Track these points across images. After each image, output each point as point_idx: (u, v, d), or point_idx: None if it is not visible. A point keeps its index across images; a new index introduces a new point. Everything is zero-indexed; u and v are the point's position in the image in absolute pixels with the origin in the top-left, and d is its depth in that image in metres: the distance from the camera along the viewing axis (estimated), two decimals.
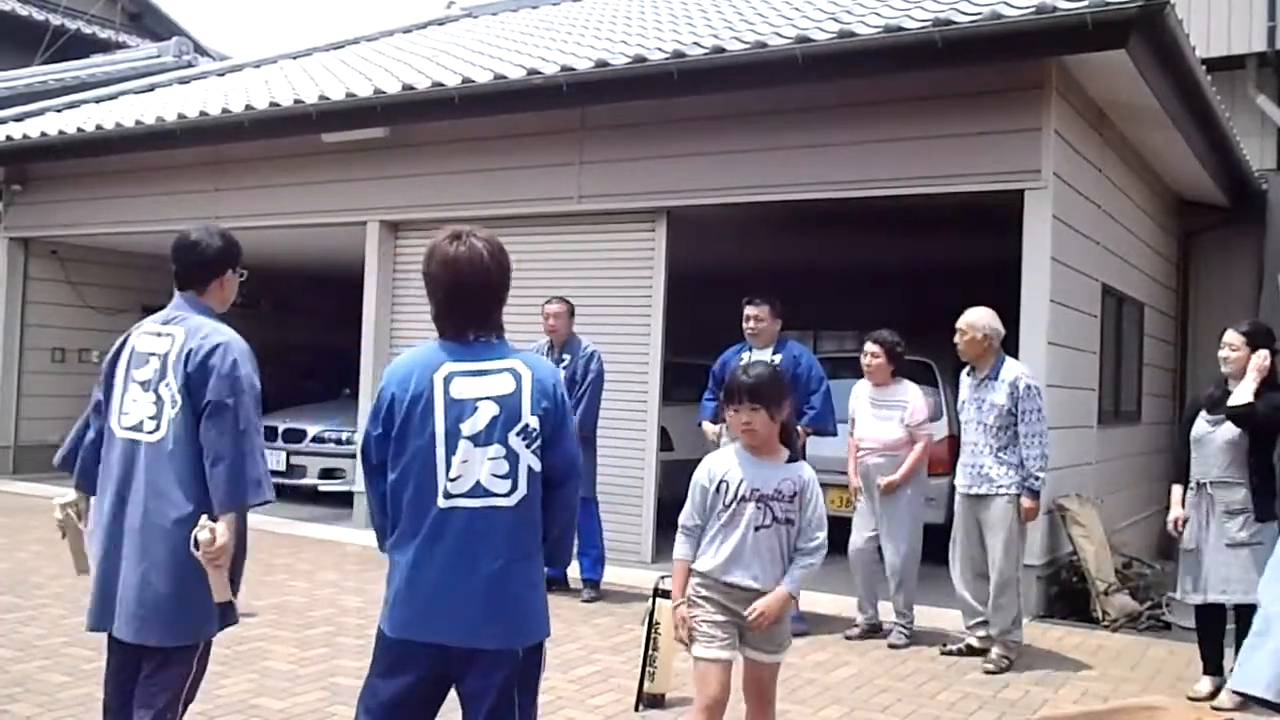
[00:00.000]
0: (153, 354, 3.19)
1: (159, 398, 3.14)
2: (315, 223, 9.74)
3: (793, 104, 7.33)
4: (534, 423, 2.61)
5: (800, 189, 7.41)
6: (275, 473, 10.45)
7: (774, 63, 6.89)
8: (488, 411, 2.59)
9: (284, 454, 10.45)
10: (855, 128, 7.23)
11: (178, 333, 3.19)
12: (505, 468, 2.58)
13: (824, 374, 6.42)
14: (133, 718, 3.14)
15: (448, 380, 2.61)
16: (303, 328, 13.60)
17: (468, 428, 2.57)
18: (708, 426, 6.36)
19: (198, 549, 3.00)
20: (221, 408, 3.10)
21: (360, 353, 9.36)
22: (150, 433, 3.14)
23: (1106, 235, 7.97)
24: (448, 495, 2.55)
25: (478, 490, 2.56)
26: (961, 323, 5.67)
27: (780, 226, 9.21)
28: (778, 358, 6.33)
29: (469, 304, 2.68)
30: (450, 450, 2.57)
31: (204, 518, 3.04)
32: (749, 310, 6.38)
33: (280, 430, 10.55)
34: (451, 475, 2.56)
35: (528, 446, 2.59)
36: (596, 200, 8.16)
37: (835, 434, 6.37)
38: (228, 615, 3.22)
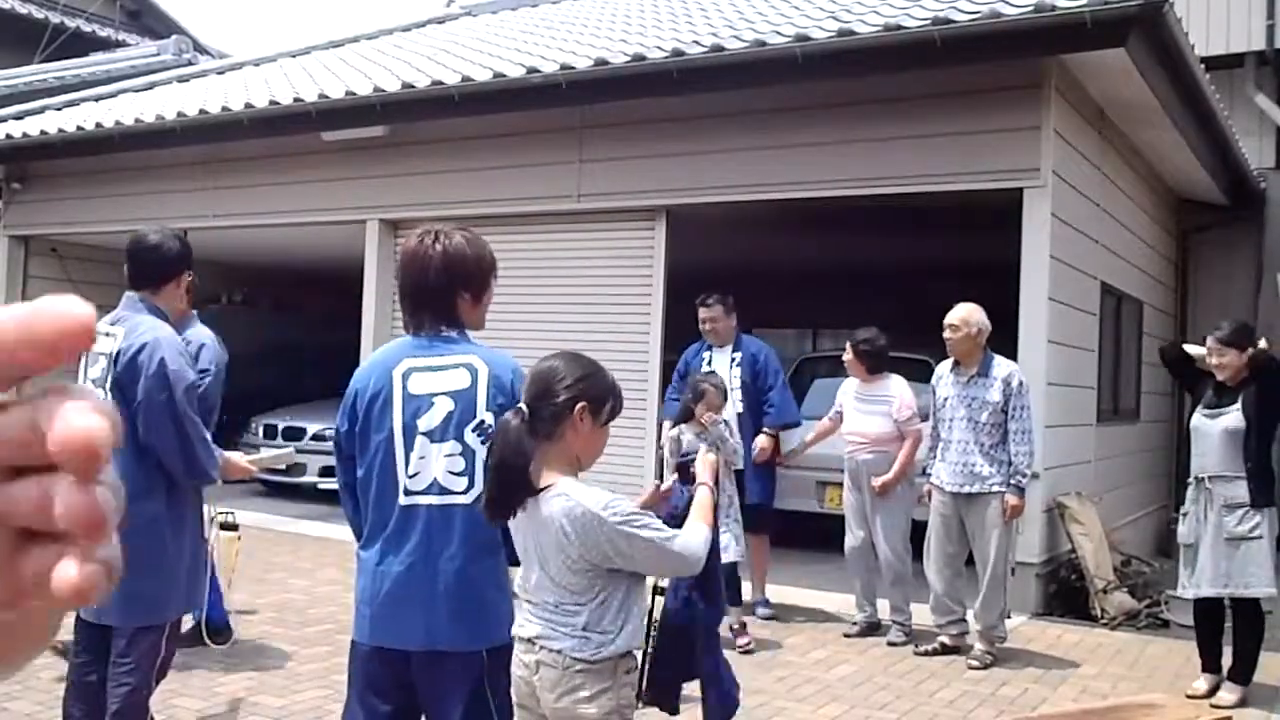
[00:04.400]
0: (101, 354, 3.31)
1: (105, 394, 3.26)
2: (315, 221, 9.75)
3: (793, 102, 7.34)
4: (490, 419, 2.56)
5: (800, 187, 7.42)
6: (276, 471, 10.48)
7: (773, 61, 6.90)
8: (443, 407, 2.59)
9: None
10: (855, 126, 7.24)
11: (119, 333, 3.30)
12: (461, 464, 2.56)
13: (780, 368, 6.55)
14: (102, 698, 3.26)
15: (406, 376, 2.62)
16: (303, 325, 13.57)
17: (424, 423, 2.58)
18: (667, 427, 5.88)
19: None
20: (154, 405, 3.23)
21: (360, 350, 9.36)
22: None
23: (1105, 234, 7.98)
24: (408, 492, 2.57)
25: (434, 487, 2.56)
26: (954, 318, 5.65)
27: (781, 225, 9.22)
28: (737, 355, 6.38)
29: (420, 298, 2.70)
30: (408, 446, 2.58)
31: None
32: (703, 312, 6.46)
33: (280, 428, 10.56)
34: (410, 472, 2.57)
35: (484, 444, 2.54)
36: (596, 199, 8.17)
37: (800, 424, 6.43)
38: (193, 597, 3.44)
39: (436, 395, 2.59)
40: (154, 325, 3.34)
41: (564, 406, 2.32)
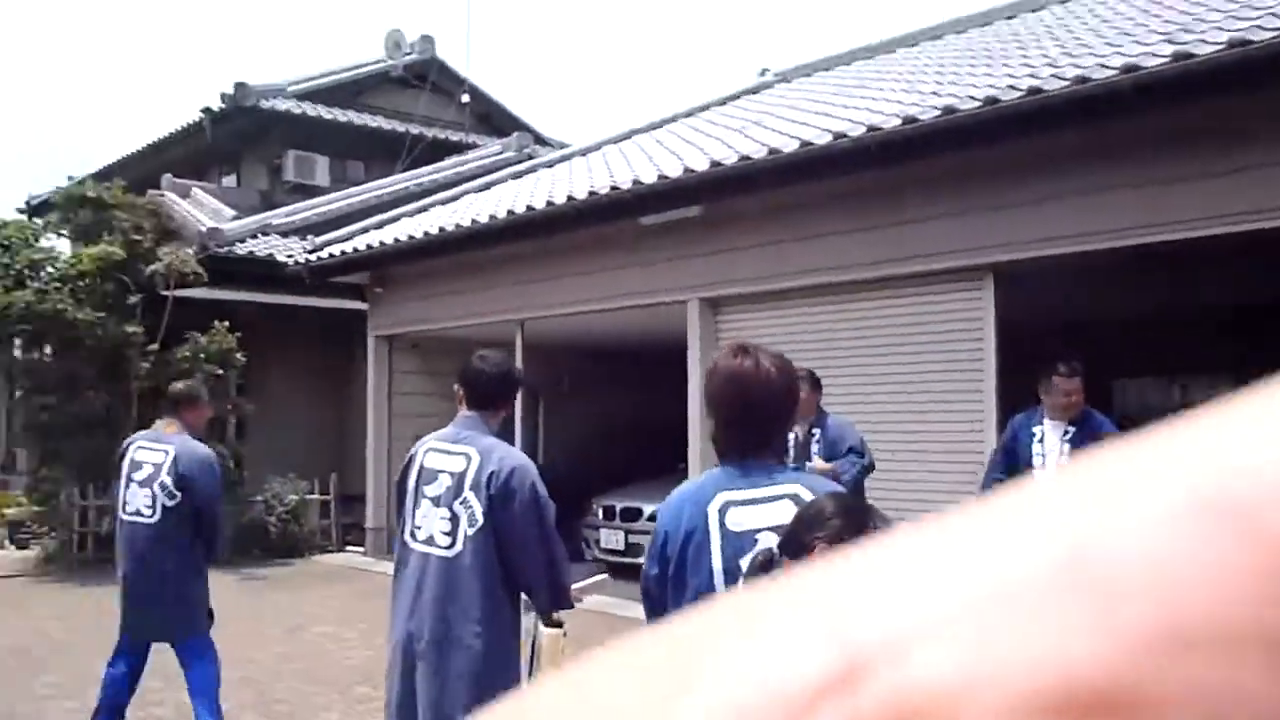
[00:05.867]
0: (443, 470, 3.33)
1: (453, 514, 3.28)
2: (638, 304, 9.89)
3: (1127, 138, 6.63)
4: (777, 551, 2.31)
5: (1140, 232, 6.66)
6: (613, 551, 10.64)
7: (1099, 97, 6.27)
8: (769, 544, 2.32)
9: (622, 533, 10.59)
10: (1200, 159, 6.43)
11: (471, 453, 3.31)
12: None
13: None
14: None
15: (723, 511, 2.39)
16: (634, 405, 13.83)
17: (747, 564, 2.33)
18: None
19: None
20: (529, 531, 3.25)
21: (688, 428, 9.35)
22: (445, 548, 3.27)
23: None
24: None
25: None
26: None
27: (1129, 271, 8.37)
28: (1071, 430, 5.47)
29: (750, 423, 2.46)
30: (732, 586, 2.33)
31: (539, 624, 3.43)
32: (1064, 383, 5.42)
33: (618, 509, 10.73)
34: None
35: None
36: (915, 261, 7.73)
37: None
38: None
39: (761, 531, 2.35)
40: (510, 449, 3.46)
41: (808, 547, 2.05)
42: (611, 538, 10.66)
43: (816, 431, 6.00)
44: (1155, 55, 6.26)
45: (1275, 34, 5.60)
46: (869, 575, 0.19)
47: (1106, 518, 0.16)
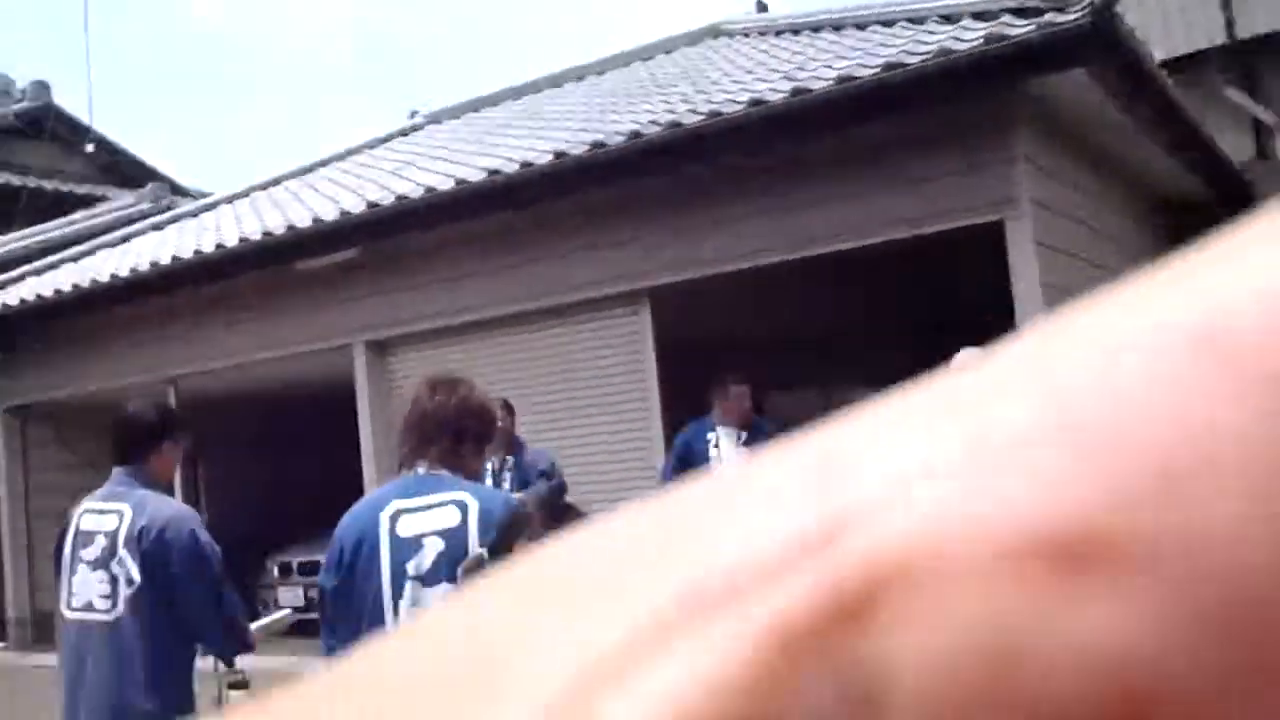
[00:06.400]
0: (98, 531, 3.20)
1: (111, 576, 3.14)
2: (301, 350, 9.63)
3: (757, 167, 7.22)
4: (486, 555, 2.45)
5: (768, 253, 7.26)
6: (295, 609, 10.22)
7: (731, 130, 6.81)
8: (433, 548, 2.43)
9: (301, 588, 10.22)
10: (822, 183, 7.11)
11: (124, 509, 3.18)
12: None
13: None
14: None
15: (394, 519, 2.48)
16: (305, 457, 13.36)
17: (413, 567, 2.42)
18: None
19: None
20: (193, 581, 3.10)
21: (363, 480, 9.19)
22: (104, 612, 3.14)
23: (1095, 251, 7.80)
24: None
25: None
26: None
27: (774, 289, 9.06)
28: (744, 434, 6.02)
29: (426, 436, 2.59)
30: (397, 593, 2.41)
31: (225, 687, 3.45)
32: (739, 390, 6.06)
33: (294, 565, 10.37)
34: (401, 620, 2.40)
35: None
36: (576, 291, 8.02)
37: None
38: None
39: (426, 536, 2.44)
40: (165, 500, 3.31)
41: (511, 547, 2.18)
42: (290, 595, 10.25)
43: (510, 459, 6.08)
44: (775, 90, 6.87)
45: (875, 70, 6.31)
46: (850, 438, 0.18)
47: (1087, 360, 0.16)
